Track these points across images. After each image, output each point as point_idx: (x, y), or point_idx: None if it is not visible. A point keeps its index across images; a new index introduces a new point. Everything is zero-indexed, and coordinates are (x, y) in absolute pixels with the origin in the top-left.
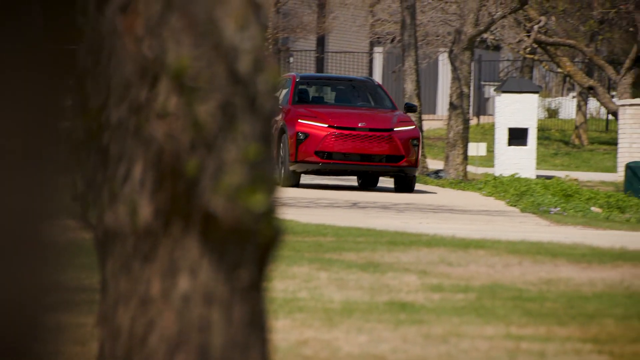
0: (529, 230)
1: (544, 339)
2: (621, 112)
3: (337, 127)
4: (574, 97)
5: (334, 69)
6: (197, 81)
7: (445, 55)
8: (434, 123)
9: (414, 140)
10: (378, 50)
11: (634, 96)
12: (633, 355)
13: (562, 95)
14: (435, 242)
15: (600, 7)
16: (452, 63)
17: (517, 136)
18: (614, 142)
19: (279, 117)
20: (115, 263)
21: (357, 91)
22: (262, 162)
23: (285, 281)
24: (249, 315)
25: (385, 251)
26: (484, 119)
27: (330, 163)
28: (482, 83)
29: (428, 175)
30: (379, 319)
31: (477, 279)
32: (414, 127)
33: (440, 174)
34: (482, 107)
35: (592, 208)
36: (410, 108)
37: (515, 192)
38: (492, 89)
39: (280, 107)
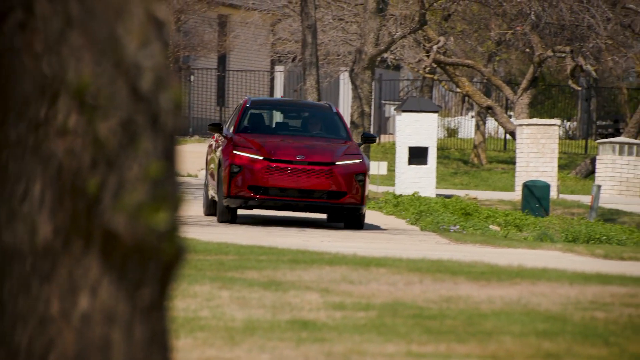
0: (430, 249)
1: (444, 356)
2: (519, 132)
3: (274, 160)
4: (472, 116)
5: (235, 87)
6: (98, 99)
7: (346, 74)
8: None
9: (358, 175)
10: (279, 69)
11: (531, 116)
12: None
13: (461, 115)
14: (337, 261)
15: (497, 29)
16: (353, 82)
17: (417, 155)
18: (512, 161)
19: (219, 148)
20: (13, 282)
21: (312, 119)
22: (165, 180)
23: (187, 300)
24: (150, 334)
25: (287, 269)
26: (384, 138)
27: (265, 199)
28: (383, 102)
29: None
30: (281, 337)
31: (378, 297)
32: (360, 160)
33: None
34: (383, 126)
35: (491, 226)
36: (368, 139)
37: (415, 210)
38: (392, 108)
39: (225, 136)
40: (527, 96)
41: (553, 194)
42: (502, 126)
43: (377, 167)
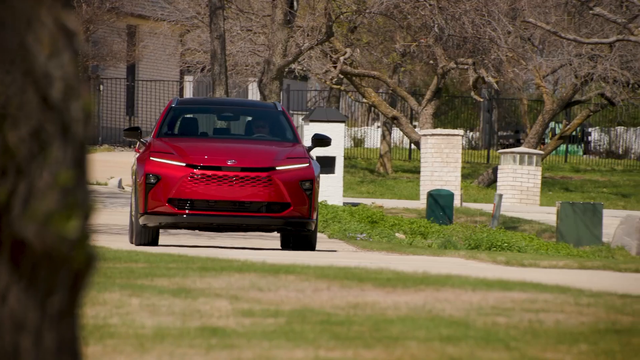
0: (337, 256)
1: None
2: (423, 142)
3: (198, 167)
4: (378, 126)
5: (144, 96)
6: (8, 107)
7: (255, 84)
8: None
9: (305, 182)
10: (188, 79)
11: (435, 126)
12: None
13: (367, 125)
14: (247, 268)
15: (402, 41)
16: (262, 92)
17: (325, 164)
18: (417, 171)
19: (137, 156)
20: None
21: (253, 120)
22: (76, 188)
23: (96, 307)
24: (60, 341)
25: (197, 277)
26: None
27: (190, 215)
28: (291, 112)
29: None
30: (191, 344)
31: (287, 303)
32: (307, 164)
33: None
34: None
35: (397, 234)
36: (320, 141)
37: (323, 218)
38: (300, 117)
39: (143, 142)
40: (431, 107)
41: (457, 202)
42: (407, 136)
43: None
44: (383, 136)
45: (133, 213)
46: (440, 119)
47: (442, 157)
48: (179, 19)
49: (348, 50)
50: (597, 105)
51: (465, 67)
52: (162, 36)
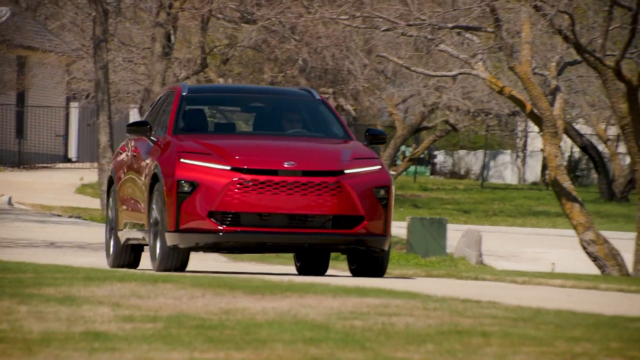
0: (211, 266)
1: None
2: None
3: (248, 170)
4: None
5: (33, 121)
6: None
7: (136, 110)
8: None
9: (379, 189)
10: (74, 105)
11: None
12: None
13: None
14: (128, 278)
15: (270, 71)
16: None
17: None
18: None
19: (149, 159)
20: None
21: (285, 112)
22: None
23: None
24: None
25: (81, 286)
26: None
27: (236, 232)
28: None
29: None
30: (75, 347)
31: (165, 310)
32: (379, 167)
33: None
34: None
35: None
36: (376, 137)
37: None
38: None
39: (155, 139)
40: None
41: None
42: None
43: None
44: None
45: (127, 236)
46: None
47: None
48: (66, 50)
49: (221, 79)
50: (442, 131)
51: (327, 95)
52: (49, 66)
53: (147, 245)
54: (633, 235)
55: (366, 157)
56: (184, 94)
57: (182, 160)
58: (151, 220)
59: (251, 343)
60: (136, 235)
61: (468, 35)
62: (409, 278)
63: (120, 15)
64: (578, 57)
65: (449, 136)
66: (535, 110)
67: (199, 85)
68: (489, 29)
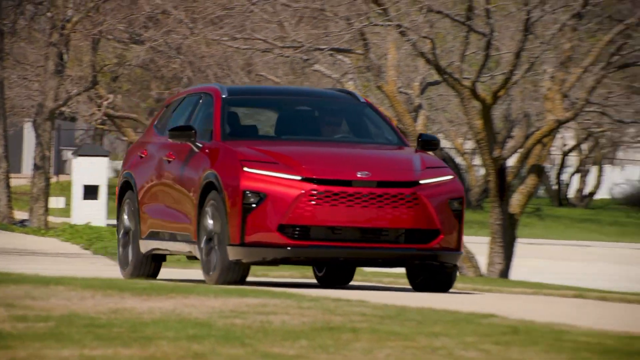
0: (100, 269)
1: (112, 358)
2: None
3: (320, 181)
4: None
5: None
6: None
7: (30, 124)
8: (20, 180)
9: (454, 201)
10: None
11: None
12: None
13: None
14: (22, 280)
15: (156, 89)
16: (36, 131)
17: (91, 192)
18: None
19: (198, 166)
20: None
21: (333, 116)
22: None
23: None
24: None
25: None
26: (63, 177)
27: (307, 246)
28: (61, 147)
29: (14, 224)
30: None
31: (56, 310)
32: (452, 177)
33: (25, 223)
34: (62, 167)
35: None
36: (428, 143)
37: (88, 238)
38: (70, 152)
39: (200, 144)
40: None
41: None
42: None
43: (56, 202)
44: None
45: (152, 246)
46: None
47: None
48: None
49: (111, 96)
50: None
51: None
52: None
53: (183, 254)
54: (487, 239)
55: (437, 166)
56: (225, 96)
57: (245, 169)
58: (203, 232)
59: (138, 340)
60: (172, 246)
61: (340, 56)
62: (286, 278)
63: (15, 36)
64: (438, 78)
65: None
66: (400, 126)
67: (236, 86)
68: (358, 51)
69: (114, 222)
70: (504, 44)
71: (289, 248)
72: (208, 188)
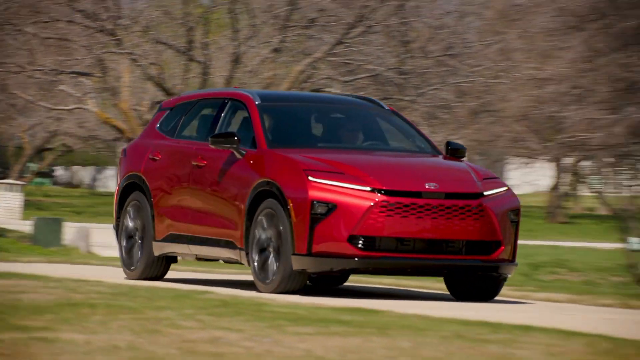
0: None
1: None
2: None
3: (390, 192)
4: None
5: None
6: None
7: None
8: None
9: (511, 212)
10: None
11: None
12: None
13: None
14: None
15: None
16: None
17: None
18: None
19: (245, 173)
20: None
21: (363, 123)
22: None
23: None
24: None
25: None
26: None
27: (374, 257)
28: None
29: None
30: None
31: None
32: (507, 188)
33: None
34: None
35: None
36: (456, 151)
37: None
38: None
39: (244, 151)
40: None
41: None
42: None
43: None
44: None
45: (168, 250)
46: None
47: None
48: None
49: None
50: (61, 151)
51: None
52: None
53: (219, 260)
54: None
55: (491, 177)
56: (258, 102)
57: (311, 178)
58: (253, 240)
59: None
60: (203, 250)
61: (82, 78)
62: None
63: None
64: (164, 97)
65: (67, 155)
66: (133, 136)
67: (265, 91)
68: (97, 75)
69: None
70: (218, 70)
71: (356, 259)
72: (261, 196)
